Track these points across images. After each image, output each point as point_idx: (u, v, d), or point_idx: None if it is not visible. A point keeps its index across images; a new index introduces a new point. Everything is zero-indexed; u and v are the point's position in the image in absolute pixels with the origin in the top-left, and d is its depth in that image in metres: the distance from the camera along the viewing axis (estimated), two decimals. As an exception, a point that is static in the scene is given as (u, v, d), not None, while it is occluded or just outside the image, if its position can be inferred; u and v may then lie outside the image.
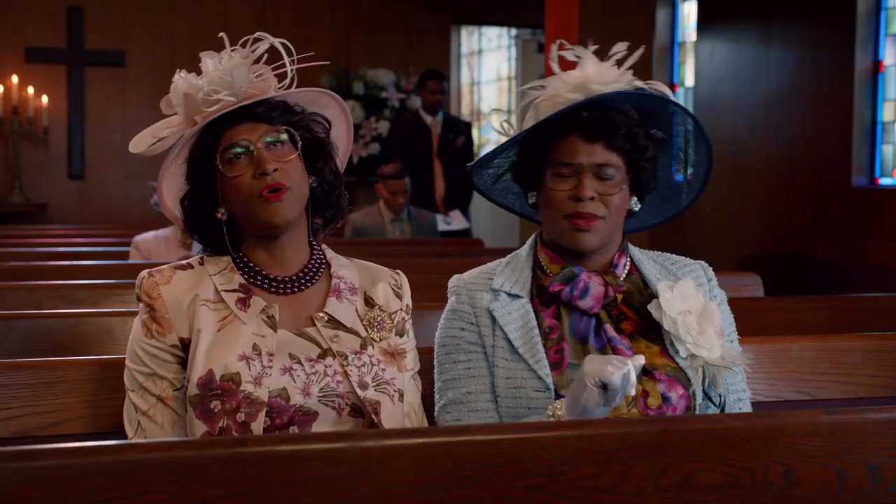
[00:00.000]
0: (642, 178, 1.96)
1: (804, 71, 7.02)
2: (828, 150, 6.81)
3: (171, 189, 1.90)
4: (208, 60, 1.83)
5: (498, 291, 1.95)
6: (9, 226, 7.52)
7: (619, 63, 1.93)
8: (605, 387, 1.66)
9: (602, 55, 1.95)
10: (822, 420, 1.55)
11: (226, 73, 1.79)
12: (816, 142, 6.90)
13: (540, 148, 1.94)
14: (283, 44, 1.83)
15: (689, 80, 8.09)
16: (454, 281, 2.01)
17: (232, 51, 1.84)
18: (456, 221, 6.94)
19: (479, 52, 10.74)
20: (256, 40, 1.83)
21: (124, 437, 1.81)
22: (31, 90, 8.26)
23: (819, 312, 3.22)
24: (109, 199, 8.52)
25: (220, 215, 1.83)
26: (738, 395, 1.98)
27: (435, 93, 7.01)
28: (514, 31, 10.18)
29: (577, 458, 1.44)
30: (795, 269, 6.82)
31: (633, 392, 1.70)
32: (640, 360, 1.72)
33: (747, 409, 1.98)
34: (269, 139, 1.80)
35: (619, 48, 1.93)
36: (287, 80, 1.85)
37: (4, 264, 3.95)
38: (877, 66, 6.61)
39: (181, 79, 1.83)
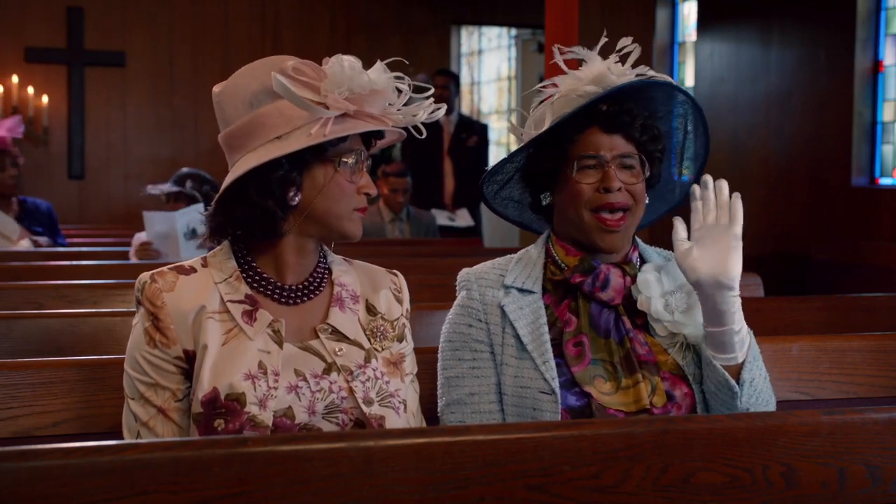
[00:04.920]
0: (653, 170, 1.97)
1: (804, 71, 7.01)
2: (828, 150, 6.80)
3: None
4: (378, 69, 1.75)
5: (510, 288, 1.95)
6: (8, 226, 7.50)
7: (623, 59, 1.95)
8: None
9: (603, 54, 1.96)
10: (822, 420, 1.55)
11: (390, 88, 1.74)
12: (816, 142, 6.89)
13: (556, 145, 1.94)
14: (415, 85, 1.80)
15: (689, 80, 8.09)
16: (464, 275, 2.00)
17: (396, 77, 1.77)
18: (461, 219, 6.92)
19: (479, 52, 10.74)
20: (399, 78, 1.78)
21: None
22: (31, 90, 8.25)
23: (819, 312, 3.22)
24: (109, 199, 8.51)
25: (290, 199, 1.75)
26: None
27: (437, 87, 7.00)
28: (513, 31, 10.18)
29: (577, 458, 1.44)
30: (795, 269, 6.82)
31: None
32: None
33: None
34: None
35: (625, 42, 1.94)
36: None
37: (4, 264, 3.95)
38: (877, 66, 6.61)
39: (375, 70, 1.74)
